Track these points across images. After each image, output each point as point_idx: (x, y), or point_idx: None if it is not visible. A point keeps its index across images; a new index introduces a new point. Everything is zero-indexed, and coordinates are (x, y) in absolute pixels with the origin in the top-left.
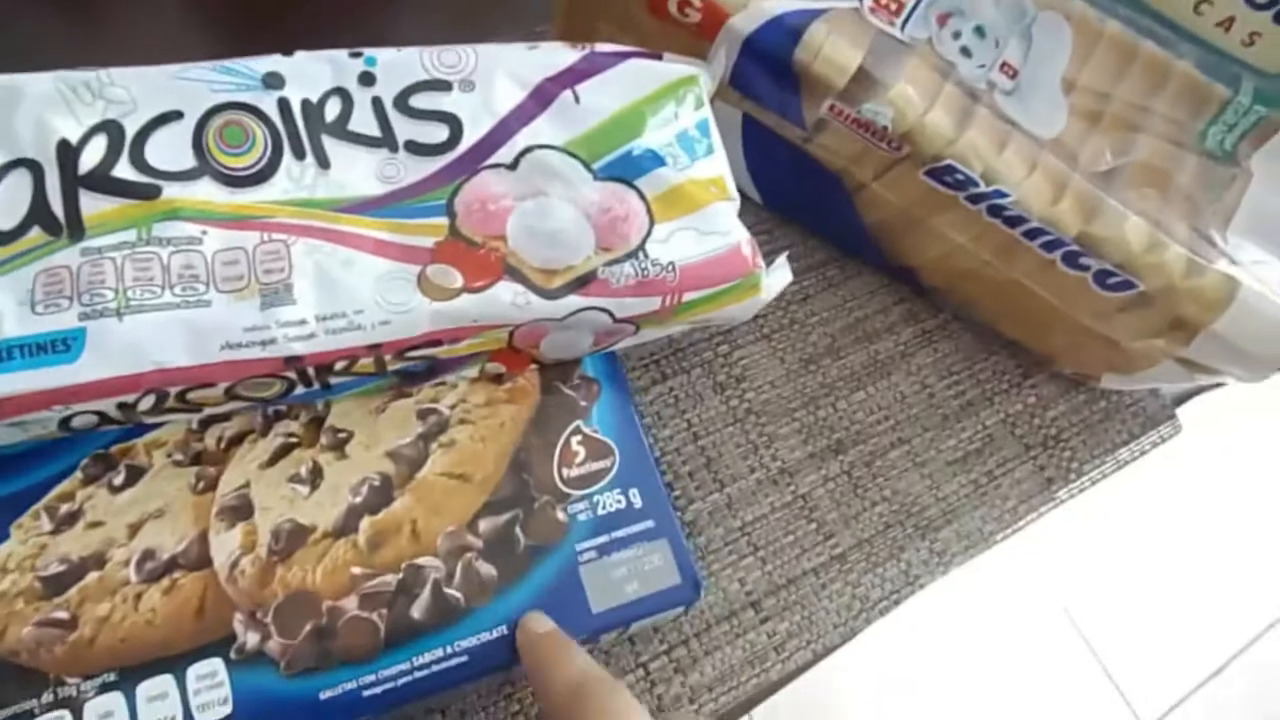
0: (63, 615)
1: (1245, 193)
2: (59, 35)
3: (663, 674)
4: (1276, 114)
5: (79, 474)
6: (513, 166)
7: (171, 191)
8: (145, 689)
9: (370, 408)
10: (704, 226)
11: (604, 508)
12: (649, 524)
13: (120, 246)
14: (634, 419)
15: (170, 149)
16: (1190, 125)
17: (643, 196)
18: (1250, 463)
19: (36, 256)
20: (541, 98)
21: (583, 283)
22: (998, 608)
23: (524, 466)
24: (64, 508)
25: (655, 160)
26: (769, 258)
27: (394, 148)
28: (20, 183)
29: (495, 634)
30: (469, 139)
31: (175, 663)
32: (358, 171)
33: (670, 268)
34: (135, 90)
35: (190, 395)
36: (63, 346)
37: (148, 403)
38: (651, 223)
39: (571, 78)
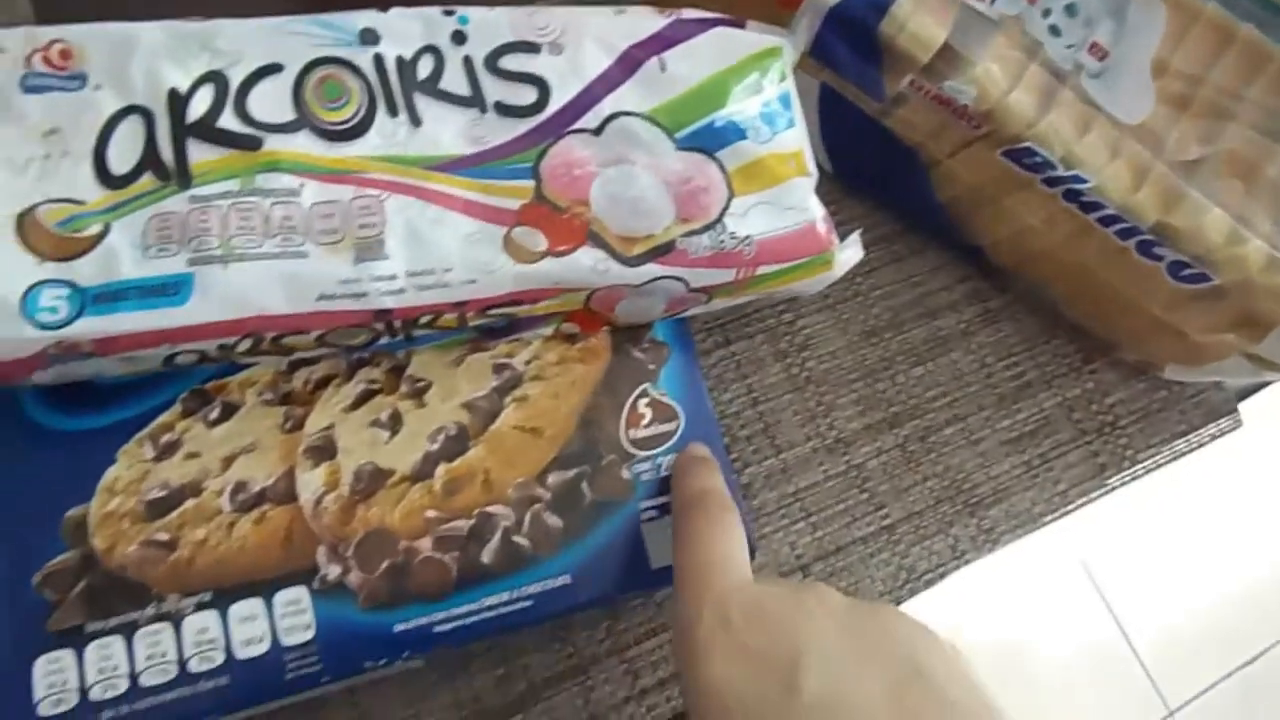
0: (164, 537)
1: None
2: None
3: None
4: None
5: (178, 407)
6: (598, 132)
7: (272, 143)
8: (237, 610)
9: (448, 360)
10: (782, 201)
11: (667, 469)
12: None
13: (225, 195)
14: (700, 385)
15: (271, 101)
16: None
17: (723, 168)
18: None
19: (148, 202)
20: (628, 64)
21: (661, 252)
22: (1038, 588)
23: (592, 425)
24: (165, 437)
25: (737, 132)
26: (839, 231)
27: (483, 108)
28: (134, 129)
29: (559, 582)
30: (556, 103)
31: (264, 587)
32: (448, 130)
33: (747, 241)
34: (239, 42)
35: (284, 340)
36: (173, 290)
37: (245, 345)
38: (731, 195)
39: (658, 44)
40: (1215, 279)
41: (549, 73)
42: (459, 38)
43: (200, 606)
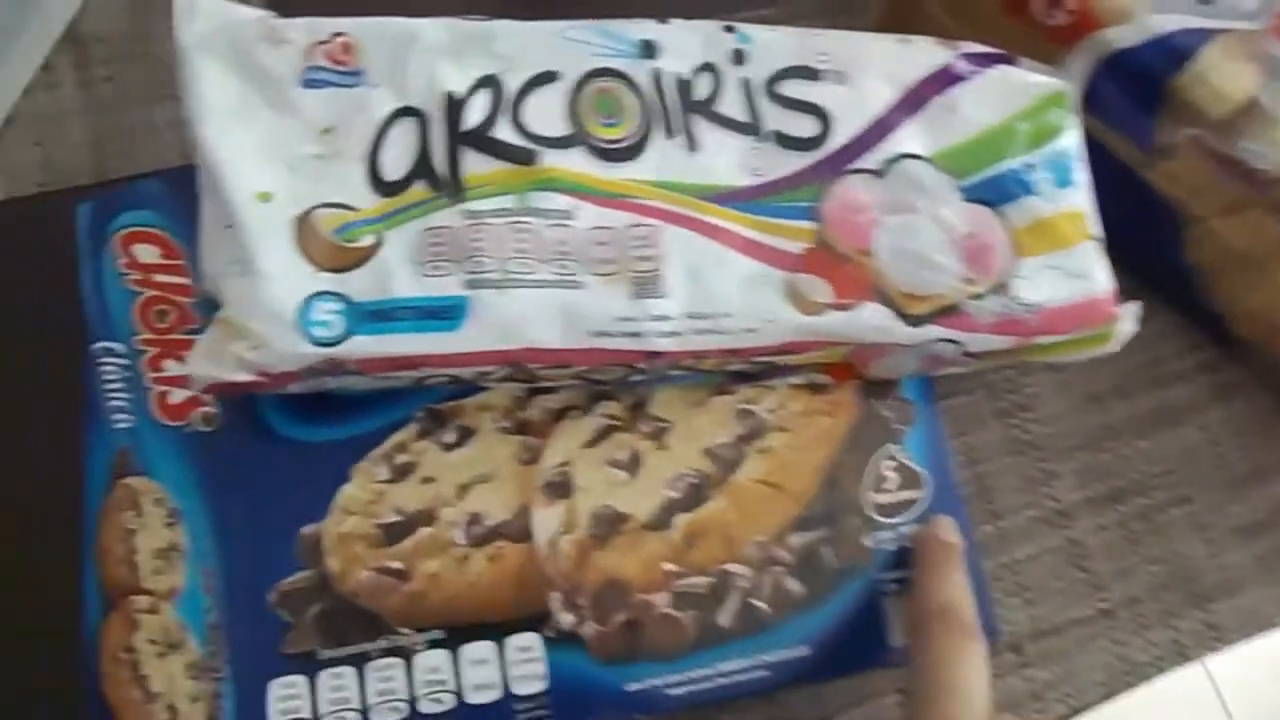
0: (397, 566)
1: None
2: None
3: None
4: None
5: (414, 426)
6: (880, 174)
7: (547, 159)
8: (469, 652)
9: (691, 400)
10: (1071, 267)
11: (909, 541)
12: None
13: (500, 213)
14: (947, 450)
15: (546, 112)
16: None
17: (1008, 225)
18: None
19: (421, 213)
20: (914, 101)
21: (946, 313)
22: (1265, 700)
23: (835, 485)
24: (399, 458)
25: (1023, 186)
26: None
27: (760, 136)
28: (407, 133)
29: (797, 652)
30: (838, 137)
31: (496, 630)
32: (724, 158)
33: (1034, 309)
34: (518, 46)
35: (541, 372)
36: (448, 314)
37: (501, 373)
38: (1016, 255)
39: (944, 80)
40: None
41: (831, 103)
42: (738, 57)
43: (432, 644)
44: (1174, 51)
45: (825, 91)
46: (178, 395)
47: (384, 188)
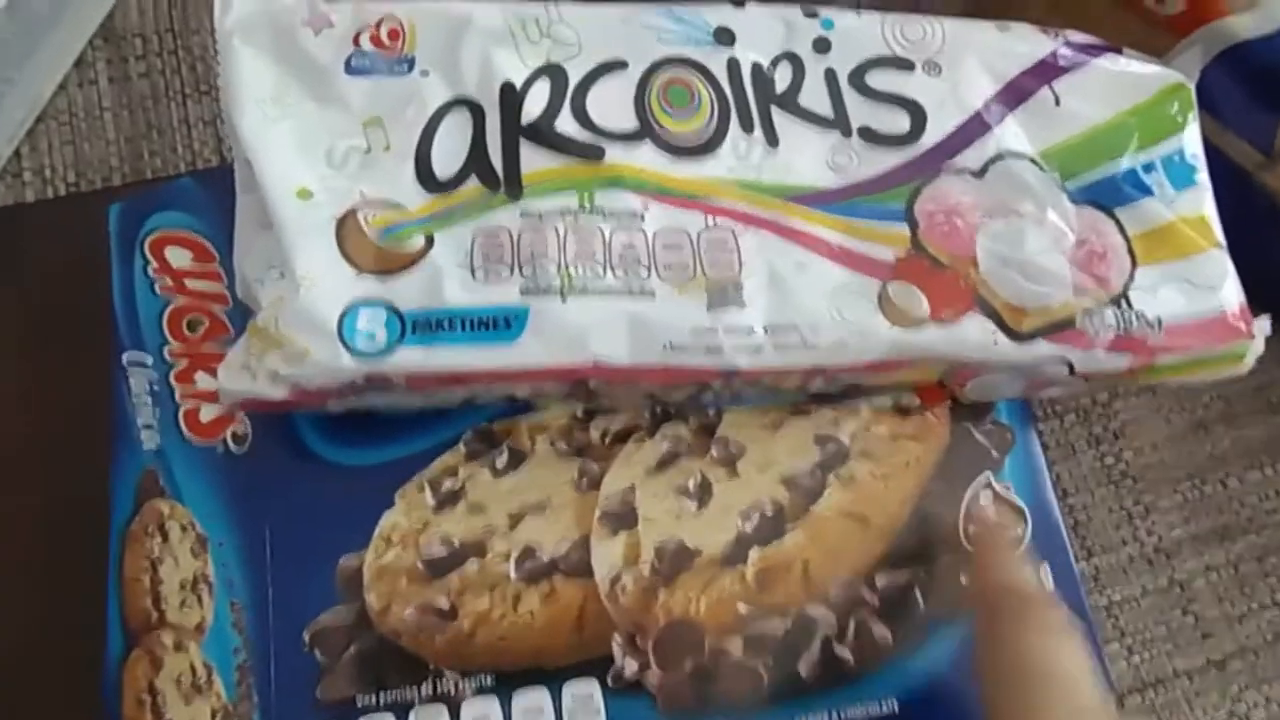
0: (443, 603)
1: None
2: None
3: None
4: None
5: (461, 448)
6: (980, 174)
7: (614, 154)
8: (521, 701)
9: (765, 422)
10: (1193, 278)
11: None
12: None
13: (562, 213)
14: (1047, 480)
15: (613, 104)
16: None
17: (1123, 231)
18: None
19: (475, 212)
20: (1015, 93)
21: (1057, 328)
22: None
23: (926, 518)
24: (446, 484)
25: (1139, 188)
26: None
27: (846, 131)
28: (460, 125)
29: (885, 709)
30: (933, 133)
31: (552, 676)
32: (807, 155)
33: (1155, 325)
34: (582, 31)
35: (603, 390)
36: (504, 324)
37: (559, 390)
38: (1134, 265)
39: (1047, 72)
40: None
41: (924, 96)
42: (822, 45)
43: (480, 690)
44: None
45: (919, 83)
46: (208, 412)
47: (435, 185)
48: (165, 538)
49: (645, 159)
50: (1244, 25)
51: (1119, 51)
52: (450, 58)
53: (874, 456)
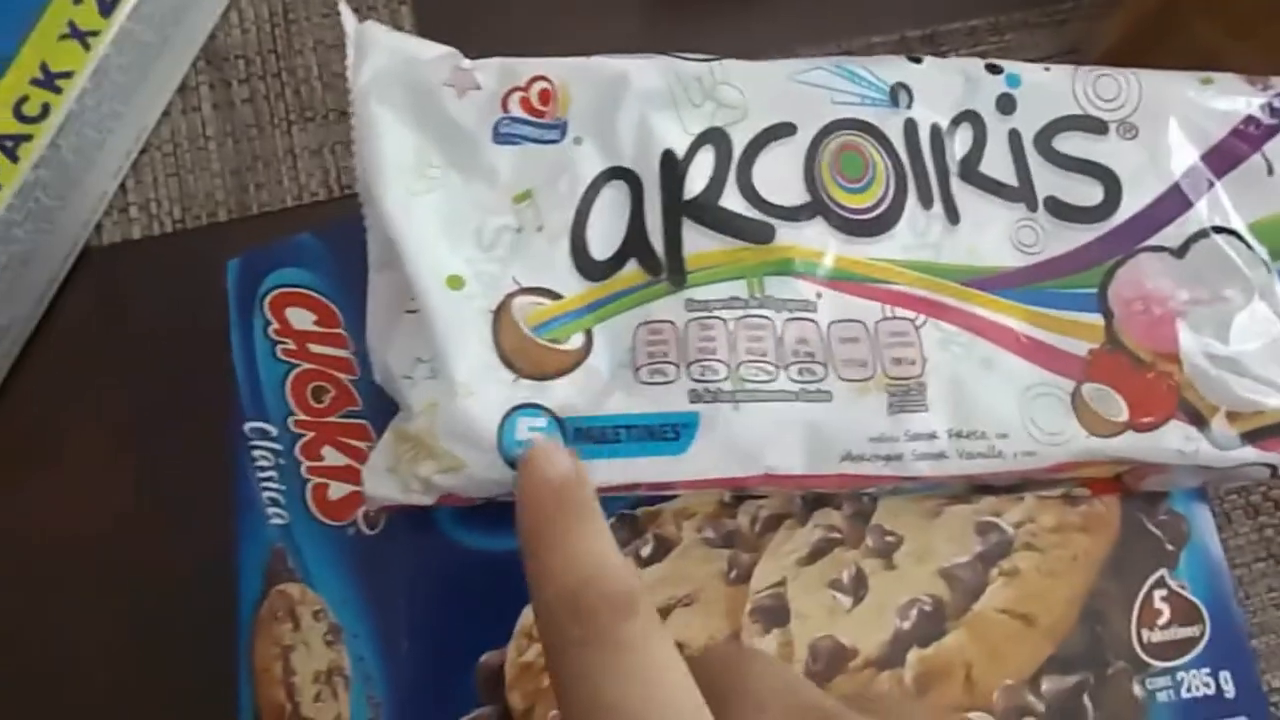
0: None
1: None
2: None
3: None
4: None
5: None
6: (1179, 254)
7: (783, 234)
8: None
9: (923, 509)
10: None
11: (1189, 689)
12: None
13: (731, 303)
14: (1228, 576)
15: (781, 175)
16: None
17: None
18: None
19: (635, 301)
20: (1222, 159)
21: (1267, 434)
22: None
23: (1097, 617)
24: None
25: None
26: None
27: (1032, 205)
28: (618, 200)
29: None
30: (1129, 206)
31: None
32: (990, 232)
33: None
34: (748, 91)
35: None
36: (672, 434)
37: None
38: None
39: (1256, 133)
40: None
41: (1118, 163)
42: (1006, 104)
43: None
44: None
45: (1113, 148)
46: (337, 490)
47: (592, 269)
48: (297, 624)
49: (816, 239)
50: None
51: None
52: (605, 123)
53: (1039, 549)
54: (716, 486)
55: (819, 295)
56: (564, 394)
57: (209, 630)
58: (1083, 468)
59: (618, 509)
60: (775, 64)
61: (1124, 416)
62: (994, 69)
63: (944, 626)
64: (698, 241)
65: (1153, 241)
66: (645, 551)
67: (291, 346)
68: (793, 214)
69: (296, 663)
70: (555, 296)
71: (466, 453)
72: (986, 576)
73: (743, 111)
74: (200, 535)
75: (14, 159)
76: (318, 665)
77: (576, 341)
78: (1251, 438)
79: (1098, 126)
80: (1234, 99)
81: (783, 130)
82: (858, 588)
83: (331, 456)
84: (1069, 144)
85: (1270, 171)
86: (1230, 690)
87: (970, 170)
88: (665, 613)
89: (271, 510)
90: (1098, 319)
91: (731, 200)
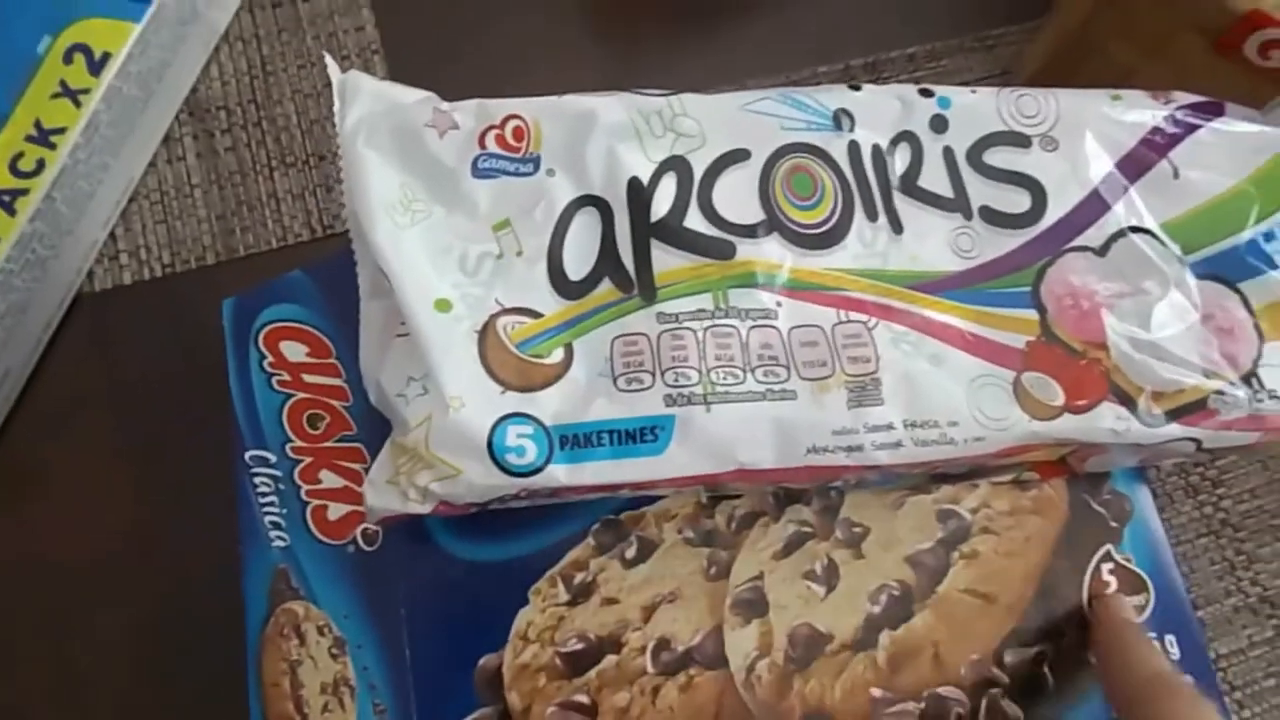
0: (583, 699)
1: None
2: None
3: None
4: None
5: (590, 541)
6: (1101, 252)
7: (744, 250)
8: None
9: (886, 501)
10: None
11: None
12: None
13: (698, 315)
14: (1168, 549)
15: (738, 196)
16: None
17: (1248, 305)
18: None
19: (610, 316)
20: (1134, 166)
21: (1188, 410)
22: None
23: (1052, 593)
24: (578, 577)
25: (1262, 259)
26: None
27: (968, 214)
28: (589, 225)
29: None
30: (1054, 211)
31: None
32: (931, 240)
33: None
34: (704, 122)
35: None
36: (650, 436)
37: (695, 488)
38: (1261, 340)
39: (1162, 141)
40: None
41: (1043, 173)
42: (939, 124)
43: None
44: None
45: (1036, 160)
46: (336, 510)
47: (569, 289)
48: (302, 640)
49: (774, 252)
50: None
51: (1224, 110)
52: (575, 155)
53: (995, 531)
54: (695, 484)
55: (779, 304)
56: (549, 403)
57: (217, 649)
58: (1029, 451)
59: (603, 514)
60: (728, 96)
61: (1060, 401)
62: (926, 93)
63: (912, 609)
64: (665, 260)
65: (1077, 242)
66: (630, 553)
67: (286, 378)
68: (751, 231)
69: (304, 676)
70: (536, 315)
71: (461, 461)
72: (948, 560)
73: (700, 140)
74: (199, 560)
75: (11, 213)
76: (324, 678)
77: (558, 355)
78: (1175, 415)
79: (1022, 141)
80: (1141, 112)
81: (738, 155)
82: (830, 577)
83: (329, 479)
84: (997, 158)
85: (1176, 175)
86: (1175, 652)
87: (910, 185)
88: (651, 610)
89: (274, 533)
90: (1032, 314)
91: (694, 221)
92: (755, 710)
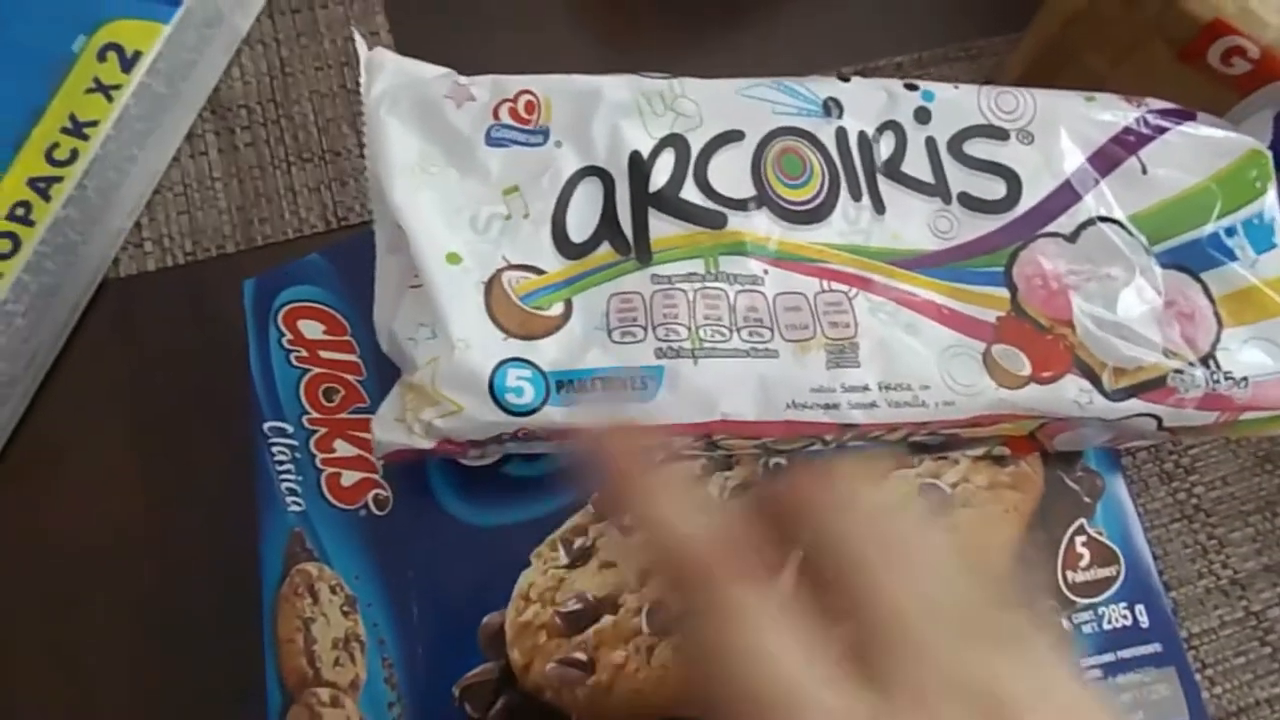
0: (581, 657)
1: None
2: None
3: None
4: None
5: (590, 508)
6: (1072, 239)
7: (735, 222)
8: None
9: (871, 474)
10: (1276, 338)
11: (1109, 622)
12: (1156, 648)
13: (690, 278)
14: (1138, 524)
15: (732, 173)
16: None
17: (1209, 294)
18: None
19: (608, 276)
20: (1105, 161)
21: (1149, 387)
22: None
23: (1027, 564)
24: (578, 542)
25: (1223, 252)
26: None
27: (947, 198)
28: (592, 193)
29: None
30: (1028, 200)
31: None
32: (912, 221)
33: (1242, 383)
34: (702, 104)
35: (723, 440)
36: (641, 384)
37: (685, 441)
38: (1220, 326)
39: (1133, 140)
40: None
41: (1019, 164)
42: (922, 115)
43: None
44: None
45: (1014, 152)
46: (349, 477)
47: (570, 249)
48: (315, 599)
49: (763, 225)
50: None
51: (1194, 116)
52: (581, 129)
53: (974, 505)
54: (681, 432)
55: (766, 272)
56: (548, 351)
57: (234, 610)
58: (998, 421)
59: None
60: (725, 81)
61: (1027, 371)
62: (911, 86)
63: None
64: (661, 227)
65: (1049, 229)
66: (628, 520)
67: (304, 354)
68: (742, 205)
69: (317, 632)
70: (539, 272)
71: (464, 398)
72: None
73: (698, 120)
74: (222, 525)
75: (46, 198)
76: (336, 633)
77: (558, 309)
78: (1135, 390)
79: (1000, 134)
80: (1114, 112)
81: (733, 136)
82: None
83: (342, 448)
84: (977, 148)
85: (1145, 171)
86: (1145, 621)
87: (894, 170)
88: (647, 574)
89: (290, 499)
90: (1004, 292)
91: (690, 193)
92: None
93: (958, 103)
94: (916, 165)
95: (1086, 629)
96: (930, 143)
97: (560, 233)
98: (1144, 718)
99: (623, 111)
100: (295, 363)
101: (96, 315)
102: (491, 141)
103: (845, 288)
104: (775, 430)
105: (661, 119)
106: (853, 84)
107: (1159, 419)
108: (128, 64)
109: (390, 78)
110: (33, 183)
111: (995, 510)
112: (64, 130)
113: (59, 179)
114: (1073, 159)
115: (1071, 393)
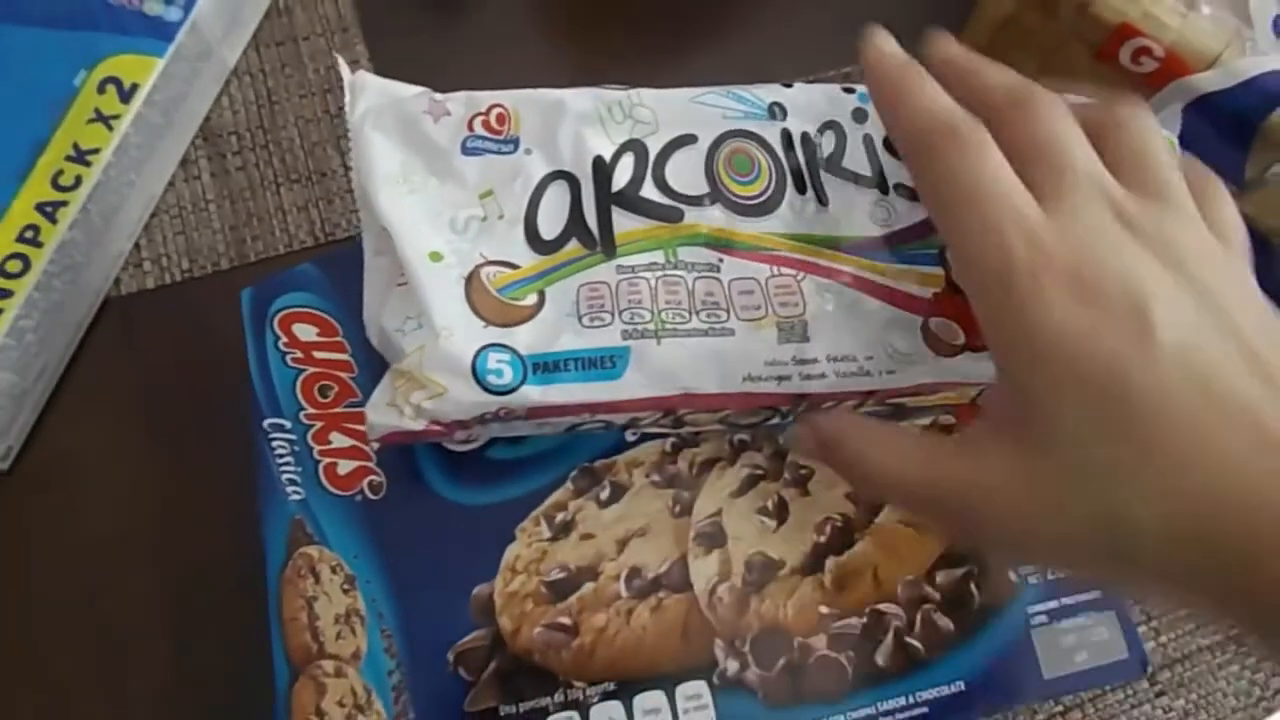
0: (566, 621)
1: None
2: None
3: None
4: None
5: (569, 485)
6: None
7: (690, 215)
8: (641, 701)
9: None
10: None
11: (1053, 572)
12: (1096, 594)
13: (652, 267)
14: None
15: (686, 172)
16: None
17: None
18: None
19: (577, 269)
20: None
21: None
22: None
23: None
24: (559, 516)
25: None
26: None
27: (884, 189)
28: (560, 195)
29: (954, 689)
30: None
31: (665, 680)
32: (853, 211)
33: None
34: (658, 111)
35: (689, 416)
36: (609, 363)
37: (652, 418)
38: None
39: None
40: None
41: None
42: (860, 115)
43: (605, 696)
44: (1265, 94)
45: None
46: (345, 466)
47: (542, 246)
48: (317, 579)
49: (717, 218)
50: (1207, 81)
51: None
52: (549, 137)
53: None
54: (646, 407)
55: (720, 260)
56: (523, 337)
57: (242, 595)
58: (940, 389)
59: (580, 461)
60: (679, 91)
61: (961, 341)
62: (849, 90)
63: (853, 537)
64: (624, 223)
65: None
66: (604, 495)
67: (299, 355)
68: (697, 200)
69: (319, 610)
70: (514, 266)
71: (449, 380)
72: None
73: (655, 126)
74: (228, 517)
75: (53, 221)
76: (337, 610)
77: (532, 299)
78: None
79: None
80: None
81: (687, 139)
82: (780, 512)
83: (338, 440)
84: None
85: None
86: None
87: (835, 165)
88: (624, 543)
89: (290, 489)
90: (938, 270)
91: (649, 191)
92: (717, 627)
93: None
94: (856, 160)
95: (1032, 579)
96: (868, 140)
97: (532, 231)
98: (1088, 656)
99: (586, 120)
100: (291, 363)
101: (100, 330)
102: (467, 151)
103: (794, 272)
104: (734, 402)
105: (621, 126)
106: (795, 89)
107: None
108: (126, 95)
109: (373, 97)
110: (40, 207)
111: None
112: (68, 158)
113: (64, 203)
114: None
115: None
